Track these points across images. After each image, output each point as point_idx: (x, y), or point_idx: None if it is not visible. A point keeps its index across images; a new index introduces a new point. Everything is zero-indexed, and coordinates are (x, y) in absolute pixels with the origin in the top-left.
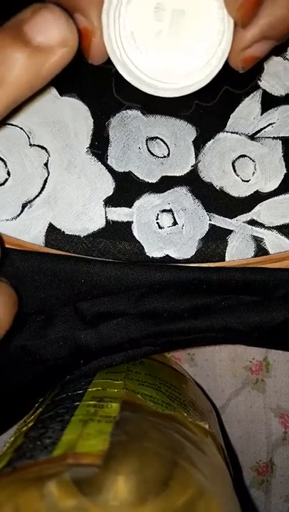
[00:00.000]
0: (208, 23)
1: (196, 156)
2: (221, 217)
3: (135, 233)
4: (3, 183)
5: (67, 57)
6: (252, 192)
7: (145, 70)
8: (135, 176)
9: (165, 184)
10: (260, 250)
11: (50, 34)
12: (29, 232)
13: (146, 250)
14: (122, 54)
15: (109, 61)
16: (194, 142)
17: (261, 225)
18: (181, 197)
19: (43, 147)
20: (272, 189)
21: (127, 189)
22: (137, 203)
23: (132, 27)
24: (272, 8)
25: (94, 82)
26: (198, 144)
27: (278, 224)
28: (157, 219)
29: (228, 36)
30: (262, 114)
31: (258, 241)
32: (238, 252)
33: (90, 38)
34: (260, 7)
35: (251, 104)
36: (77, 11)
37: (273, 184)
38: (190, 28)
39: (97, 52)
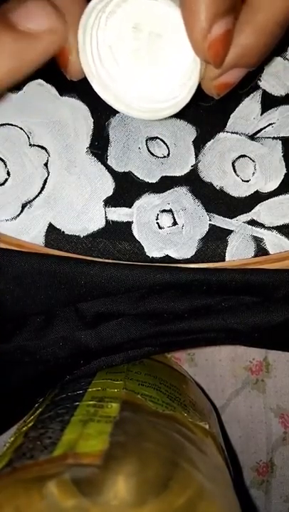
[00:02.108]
0: (184, 50)
1: (196, 156)
2: (221, 217)
3: (135, 233)
4: (3, 183)
5: (55, 45)
6: (252, 192)
7: (121, 86)
8: (135, 176)
9: (165, 184)
10: (260, 250)
11: (38, 20)
12: (29, 232)
13: (146, 250)
14: (98, 69)
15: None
16: (194, 142)
17: (261, 225)
18: (181, 197)
19: (42, 147)
20: (273, 189)
21: (127, 189)
22: (136, 203)
23: (110, 41)
24: (240, 38)
25: None
26: (198, 144)
27: (278, 224)
28: (157, 219)
29: (201, 66)
30: (262, 114)
31: (258, 241)
32: (238, 252)
33: (66, 56)
34: (230, 46)
35: (251, 104)
36: None
37: (273, 184)
38: (167, 50)
39: (75, 69)
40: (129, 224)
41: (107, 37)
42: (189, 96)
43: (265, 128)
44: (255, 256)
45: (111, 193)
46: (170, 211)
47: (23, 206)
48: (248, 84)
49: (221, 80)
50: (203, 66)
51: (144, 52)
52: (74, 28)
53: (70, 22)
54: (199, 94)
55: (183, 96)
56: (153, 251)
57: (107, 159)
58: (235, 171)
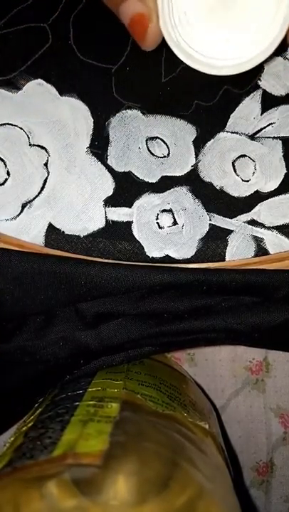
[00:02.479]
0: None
1: (196, 155)
2: (221, 217)
3: (135, 233)
4: (3, 183)
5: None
6: (252, 192)
7: (202, 49)
8: (135, 175)
9: (165, 184)
10: (261, 250)
11: None
12: (29, 232)
13: (146, 250)
14: (177, 36)
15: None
16: (194, 142)
17: (261, 225)
18: (181, 197)
19: (42, 147)
20: (273, 189)
21: (127, 189)
22: (136, 203)
23: (185, 7)
24: None
25: (94, 82)
26: (198, 144)
27: (278, 224)
28: (157, 219)
29: (286, 5)
30: (262, 113)
31: (258, 241)
32: (238, 251)
33: (146, 24)
34: None
35: (251, 103)
36: None
37: (273, 184)
38: (242, 7)
39: (153, 37)
40: (129, 224)
41: (181, 3)
42: (282, 33)
43: (265, 128)
44: (256, 256)
45: (111, 193)
46: (170, 211)
47: (23, 206)
48: (248, 83)
49: None
50: (287, 6)
51: (219, 10)
52: None
53: None
54: (200, 94)
55: (273, 36)
56: (153, 251)
57: (107, 159)
58: (235, 171)
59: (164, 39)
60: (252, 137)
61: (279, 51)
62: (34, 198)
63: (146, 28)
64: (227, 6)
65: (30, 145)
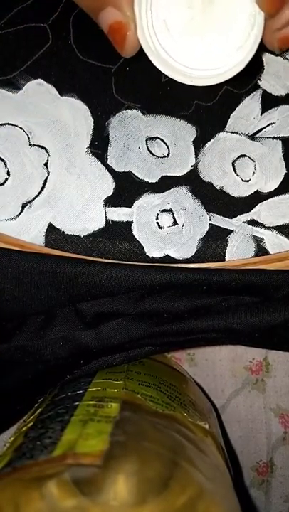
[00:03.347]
0: (240, 7)
1: (196, 155)
2: (221, 217)
3: (135, 233)
4: (2, 183)
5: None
6: (252, 192)
7: (179, 58)
8: (135, 175)
9: (165, 184)
10: (260, 250)
11: None
12: (29, 232)
13: (146, 250)
14: (155, 44)
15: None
16: (194, 142)
17: (261, 225)
18: (181, 197)
19: (42, 147)
20: (273, 189)
21: (127, 189)
22: (136, 203)
23: (164, 15)
24: None
25: (94, 82)
26: (198, 144)
27: (278, 224)
28: (157, 219)
29: (260, 19)
30: (262, 113)
31: (258, 241)
32: (238, 251)
33: (124, 32)
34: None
35: (251, 103)
36: (108, 5)
37: (273, 184)
38: (222, 14)
39: (132, 45)
40: (129, 224)
41: (160, 11)
42: (254, 49)
43: (265, 128)
44: (255, 256)
45: (111, 193)
46: (170, 211)
47: (23, 206)
48: (248, 84)
49: (283, 33)
50: (262, 19)
51: (198, 21)
52: (131, 3)
53: None
54: (200, 94)
55: (247, 50)
56: (153, 251)
57: (107, 159)
58: (235, 171)
59: None
60: (252, 137)
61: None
62: (34, 198)
63: (125, 36)
64: (206, 16)
65: (30, 145)
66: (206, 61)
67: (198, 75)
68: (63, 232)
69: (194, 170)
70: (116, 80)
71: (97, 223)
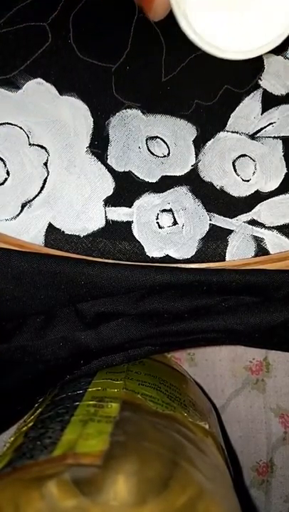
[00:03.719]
0: None
1: (197, 155)
2: (222, 216)
3: (135, 233)
4: (2, 183)
5: None
6: (252, 192)
7: (208, 28)
8: (135, 175)
9: (165, 184)
10: (261, 250)
11: None
12: (29, 232)
13: (146, 250)
14: (185, 9)
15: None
16: (194, 141)
17: (261, 225)
18: (182, 196)
19: (42, 147)
20: (273, 189)
21: (127, 189)
22: (136, 203)
23: None
24: None
25: (94, 81)
26: (199, 144)
27: (278, 224)
28: (157, 219)
29: None
30: (262, 113)
31: (258, 241)
32: (238, 251)
33: None
34: None
35: (252, 103)
36: None
37: (274, 184)
38: None
39: (161, 6)
40: (129, 224)
41: None
42: (283, 37)
43: (265, 127)
44: (256, 256)
45: (111, 193)
46: (170, 211)
47: (23, 206)
48: (248, 83)
49: None
50: None
51: None
52: None
53: None
54: (200, 93)
55: (274, 36)
56: (153, 251)
57: (107, 159)
58: (235, 171)
59: (165, 37)
60: (252, 137)
61: (279, 50)
62: (34, 198)
63: None
64: None
65: (30, 144)
66: (236, 35)
67: (227, 49)
68: (63, 232)
69: (194, 169)
70: (116, 79)
71: (97, 223)
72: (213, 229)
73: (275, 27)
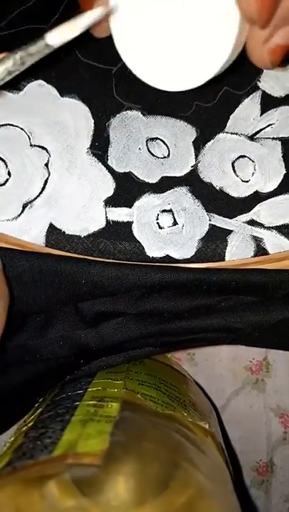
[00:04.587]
0: (218, 15)
1: (196, 156)
2: (221, 217)
3: (135, 233)
4: (3, 184)
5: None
6: (251, 192)
7: (149, 64)
8: (135, 176)
9: (165, 184)
10: (260, 250)
11: None
12: (29, 232)
13: (146, 250)
14: (126, 45)
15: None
16: (194, 143)
17: (261, 225)
18: (181, 197)
19: (43, 147)
20: (272, 189)
21: (127, 189)
22: (137, 203)
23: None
24: None
25: (94, 83)
26: (198, 145)
27: (278, 224)
28: (157, 219)
29: (241, 26)
30: (261, 114)
31: (257, 241)
32: (237, 251)
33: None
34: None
35: (251, 104)
36: None
37: (273, 184)
38: (199, 19)
39: (103, 28)
40: (129, 224)
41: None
42: (234, 56)
43: (264, 129)
44: (255, 256)
45: (111, 193)
46: (170, 211)
47: (24, 206)
48: (247, 85)
49: (272, 43)
50: (242, 28)
51: (173, 24)
52: None
53: None
54: (199, 95)
55: (227, 56)
56: (153, 251)
57: (107, 160)
58: (234, 172)
59: None
60: (251, 138)
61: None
62: (35, 199)
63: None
64: (182, 22)
65: (31, 145)
66: (176, 65)
67: (168, 81)
68: (64, 232)
69: (194, 170)
70: (116, 81)
71: (97, 223)
72: (213, 229)
73: (212, 56)
